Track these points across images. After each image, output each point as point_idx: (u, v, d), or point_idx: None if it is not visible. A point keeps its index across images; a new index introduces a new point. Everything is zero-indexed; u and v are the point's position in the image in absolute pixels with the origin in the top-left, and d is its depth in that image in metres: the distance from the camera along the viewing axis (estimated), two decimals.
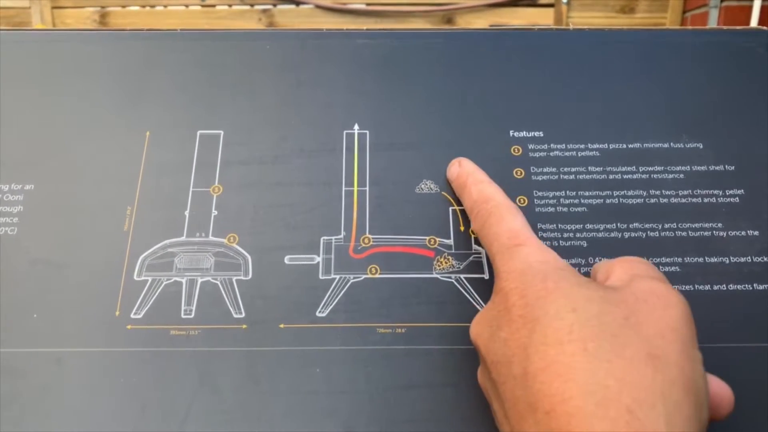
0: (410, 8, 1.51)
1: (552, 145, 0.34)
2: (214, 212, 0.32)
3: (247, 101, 0.35)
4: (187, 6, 1.65)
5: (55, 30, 0.37)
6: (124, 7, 1.64)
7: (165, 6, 1.65)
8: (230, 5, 1.61)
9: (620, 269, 0.25)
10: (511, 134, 0.34)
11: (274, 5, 1.58)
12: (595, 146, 0.34)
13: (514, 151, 0.34)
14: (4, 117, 0.34)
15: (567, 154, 0.33)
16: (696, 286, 0.30)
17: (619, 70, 0.36)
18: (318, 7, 1.56)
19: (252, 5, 1.58)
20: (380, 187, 0.33)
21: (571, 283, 0.23)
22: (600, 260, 0.31)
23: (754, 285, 0.30)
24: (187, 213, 0.32)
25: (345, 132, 0.34)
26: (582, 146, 0.34)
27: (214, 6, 1.63)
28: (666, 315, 0.22)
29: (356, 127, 0.34)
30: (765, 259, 0.31)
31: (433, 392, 0.28)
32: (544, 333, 0.22)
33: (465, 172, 0.31)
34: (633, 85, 0.35)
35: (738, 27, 0.37)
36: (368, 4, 1.56)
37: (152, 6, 1.67)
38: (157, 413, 0.28)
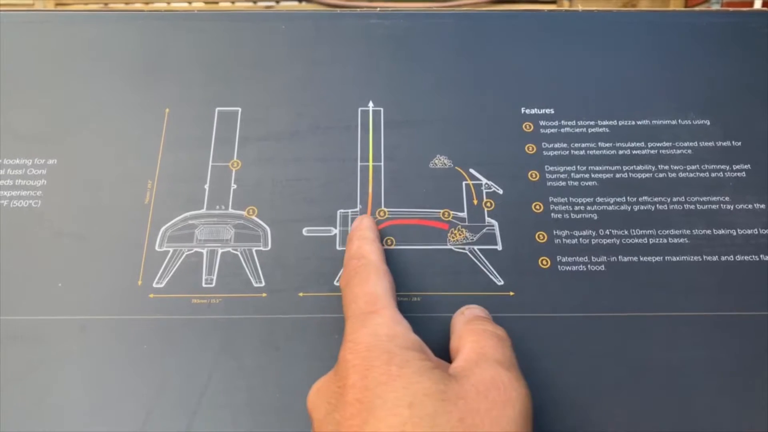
0: (414, 5, 1.52)
1: (563, 121, 0.34)
2: (234, 186, 0.33)
3: (264, 79, 0.36)
4: (190, 2, 1.66)
5: (75, 11, 0.38)
6: (127, 3, 1.65)
7: (168, 2, 1.66)
8: (233, 2, 1.61)
9: (470, 345, 0.25)
10: (522, 111, 0.35)
11: (277, 2, 1.59)
12: (605, 123, 0.34)
13: (525, 127, 0.34)
14: (28, 94, 0.35)
15: (577, 130, 0.34)
16: (704, 257, 0.31)
17: (627, 50, 0.36)
18: (321, 4, 1.57)
19: (255, 2, 1.59)
20: (395, 162, 0.33)
21: (414, 369, 0.22)
22: (609, 233, 0.32)
23: (761, 256, 0.31)
24: (206, 186, 0.33)
25: (360, 109, 0.35)
26: (592, 123, 0.34)
27: (217, 2, 1.64)
28: (503, 415, 0.22)
29: (370, 104, 0.35)
30: None
31: (448, 357, 0.29)
32: (377, 427, 0.21)
33: (358, 227, 0.30)
34: (641, 63, 0.36)
35: (743, 8, 0.38)
36: (371, 1, 1.57)
37: (153, 1, 1.68)
38: (179, 379, 0.29)
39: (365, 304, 0.25)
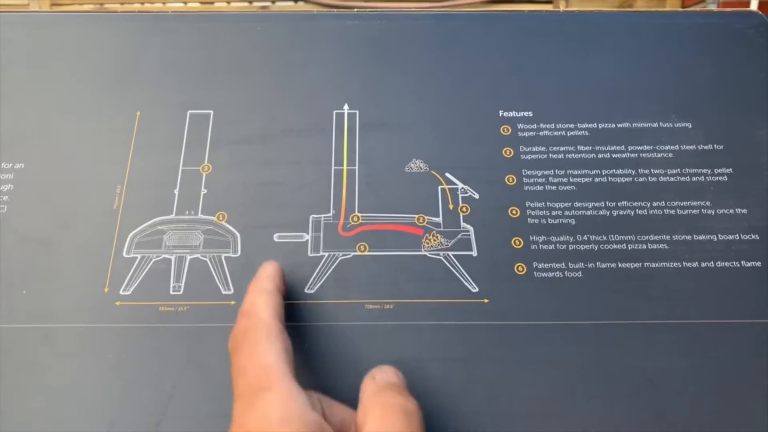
0: (408, 5, 1.51)
1: (541, 124, 0.34)
2: (204, 191, 0.32)
3: (238, 82, 0.35)
4: (185, 3, 1.65)
5: (45, 12, 0.37)
6: (122, 4, 1.64)
7: (164, 3, 1.65)
8: (228, 2, 1.60)
9: (374, 423, 0.22)
10: (500, 114, 0.34)
11: (273, 2, 1.58)
12: (585, 126, 0.34)
13: (503, 130, 0.34)
14: None
15: (556, 133, 0.33)
16: (684, 264, 0.30)
17: (608, 51, 0.36)
18: (316, 3, 1.56)
19: (250, 2, 1.58)
20: (370, 166, 0.33)
21: None
22: (587, 238, 0.31)
23: (742, 262, 0.30)
24: (176, 191, 0.32)
25: (335, 112, 0.34)
26: (571, 126, 0.34)
27: (212, 2, 1.63)
28: None
29: (346, 107, 0.34)
30: (752, 236, 0.31)
31: (422, 367, 0.28)
32: None
33: (257, 277, 0.27)
34: (622, 65, 0.35)
35: (728, 9, 0.37)
36: (366, 1, 1.56)
37: (151, 2, 1.67)
38: (144, 388, 0.28)
39: (255, 378, 0.22)
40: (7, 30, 0.37)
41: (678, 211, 0.31)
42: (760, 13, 0.37)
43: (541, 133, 0.33)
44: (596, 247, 0.31)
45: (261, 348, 0.23)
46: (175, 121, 0.34)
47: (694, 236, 0.31)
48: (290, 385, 0.22)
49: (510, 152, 0.33)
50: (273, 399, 0.21)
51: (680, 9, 0.41)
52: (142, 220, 0.31)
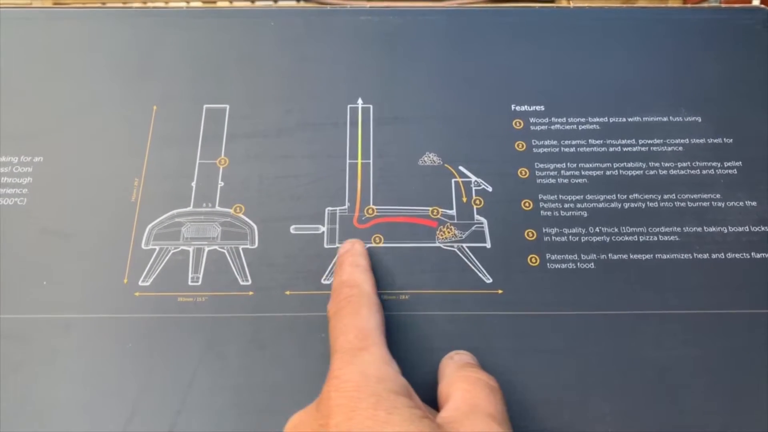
0: (412, 4, 1.51)
1: (553, 118, 0.34)
2: (221, 183, 0.33)
3: (253, 76, 0.35)
4: (188, 2, 1.65)
5: (61, 8, 0.37)
6: (125, 3, 1.64)
7: (166, 2, 1.65)
8: (231, 1, 1.61)
9: (461, 393, 0.24)
10: (512, 108, 0.34)
11: (275, 1, 1.58)
12: (596, 120, 0.34)
13: (515, 124, 0.34)
14: (13, 92, 0.35)
15: (568, 127, 0.34)
16: (695, 255, 0.31)
17: (619, 46, 0.36)
18: (319, 3, 1.56)
19: (253, 1, 1.58)
20: (384, 159, 0.33)
21: (402, 417, 0.21)
22: (599, 230, 0.31)
23: (752, 253, 0.31)
24: (193, 184, 0.32)
25: (349, 106, 0.35)
26: (582, 120, 0.34)
27: (215, 2, 1.63)
28: None
29: (360, 101, 0.35)
30: (762, 228, 0.31)
31: (435, 357, 0.29)
32: None
33: (350, 252, 0.29)
34: (633, 60, 0.36)
35: (737, 5, 0.38)
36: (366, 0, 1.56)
37: (153, 0, 1.67)
38: (163, 377, 0.28)
39: (355, 338, 0.24)
40: (20, 25, 0.37)
41: (688, 203, 0.32)
42: (767, 8, 0.37)
43: (552, 127, 0.34)
44: (608, 239, 0.31)
45: (363, 314, 0.25)
46: (191, 115, 0.34)
47: (705, 228, 0.31)
48: (386, 351, 0.24)
49: (522, 146, 0.33)
50: (371, 359, 0.23)
51: (687, 5, 0.41)
52: (160, 213, 0.32)
